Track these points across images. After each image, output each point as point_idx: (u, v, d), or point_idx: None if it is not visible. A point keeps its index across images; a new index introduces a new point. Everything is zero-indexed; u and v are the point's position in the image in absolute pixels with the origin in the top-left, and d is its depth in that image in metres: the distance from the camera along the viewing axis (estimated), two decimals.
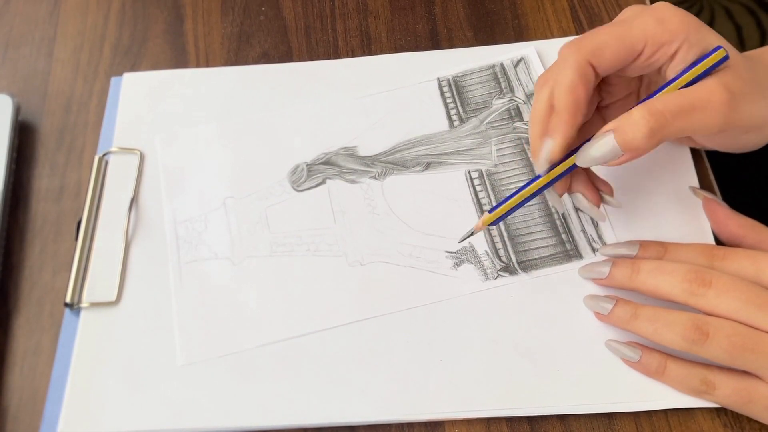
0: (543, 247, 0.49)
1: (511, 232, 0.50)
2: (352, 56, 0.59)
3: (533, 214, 0.50)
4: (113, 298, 0.49)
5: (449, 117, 0.55)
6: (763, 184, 0.64)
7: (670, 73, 0.44)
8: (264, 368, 0.46)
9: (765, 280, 0.42)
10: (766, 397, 0.41)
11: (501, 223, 0.50)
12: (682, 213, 0.49)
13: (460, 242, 0.49)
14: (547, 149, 0.44)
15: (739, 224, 0.46)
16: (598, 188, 0.48)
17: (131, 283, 0.49)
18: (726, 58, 0.42)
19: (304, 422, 0.45)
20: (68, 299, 0.48)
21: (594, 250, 0.49)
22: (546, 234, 0.50)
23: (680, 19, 0.43)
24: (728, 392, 0.42)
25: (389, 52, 0.58)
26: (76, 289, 0.49)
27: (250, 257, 0.50)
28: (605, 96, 0.48)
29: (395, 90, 0.56)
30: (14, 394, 0.47)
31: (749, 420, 0.44)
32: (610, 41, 0.43)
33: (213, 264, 0.50)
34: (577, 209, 0.50)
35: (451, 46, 0.59)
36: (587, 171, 0.48)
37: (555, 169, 0.45)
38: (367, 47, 0.59)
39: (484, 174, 0.52)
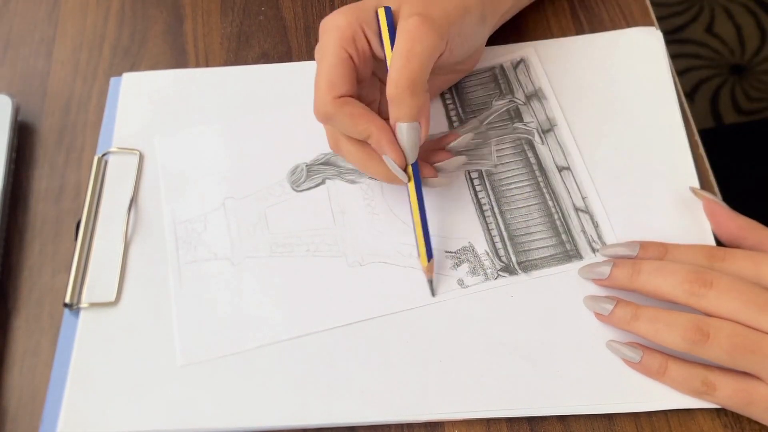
0: (543, 247, 0.49)
1: (511, 233, 0.50)
2: None
3: (533, 215, 0.50)
4: (112, 298, 0.49)
5: (449, 117, 0.55)
6: (763, 185, 0.64)
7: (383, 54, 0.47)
8: (263, 369, 0.46)
9: (765, 281, 0.42)
10: (766, 398, 0.41)
11: (501, 224, 0.50)
12: (683, 213, 0.49)
13: (434, 296, 0.48)
14: (391, 164, 0.46)
15: (740, 225, 0.46)
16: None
17: (131, 284, 0.49)
18: (387, 9, 0.46)
19: (303, 423, 0.45)
20: (67, 299, 0.48)
21: (594, 250, 0.49)
22: (546, 234, 0.50)
23: (342, 18, 0.46)
24: (729, 393, 0.42)
25: None
26: (76, 289, 0.49)
27: (249, 258, 0.50)
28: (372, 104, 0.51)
29: None
30: (13, 394, 0.47)
31: (749, 421, 0.44)
32: (334, 73, 0.45)
33: (212, 264, 0.50)
34: (577, 210, 0.50)
35: None
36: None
37: (411, 182, 0.47)
38: None
39: (484, 174, 0.52)
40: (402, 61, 0.44)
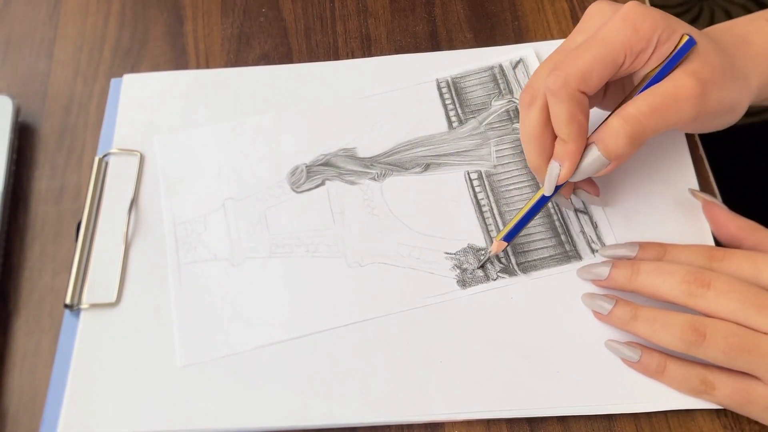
0: (542, 248, 0.49)
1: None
2: (352, 58, 0.59)
3: None
4: (113, 299, 0.49)
5: (448, 118, 0.55)
6: (763, 186, 0.64)
7: (642, 73, 0.45)
8: (263, 369, 0.46)
9: (763, 281, 0.42)
10: (765, 398, 0.41)
11: (500, 224, 0.50)
12: (682, 214, 0.49)
13: (479, 267, 0.49)
14: (556, 173, 0.45)
15: (739, 226, 0.46)
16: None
17: (131, 284, 0.50)
18: (691, 42, 0.43)
19: (303, 423, 0.45)
20: (68, 300, 0.48)
21: (593, 251, 0.49)
22: (545, 235, 0.50)
23: (651, 22, 0.43)
24: (728, 392, 0.42)
25: (389, 54, 0.58)
26: (76, 290, 0.49)
27: (249, 258, 0.50)
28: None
29: (394, 91, 0.56)
30: (14, 395, 0.47)
31: (749, 421, 0.44)
32: (594, 66, 0.43)
33: (212, 265, 0.50)
34: (577, 210, 0.50)
35: (451, 47, 0.59)
36: None
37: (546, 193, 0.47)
38: (367, 49, 0.59)
39: (483, 175, 0.52)
40: (651, 111, 0.42)
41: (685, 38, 0.43)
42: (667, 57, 0.43)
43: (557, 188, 0.46)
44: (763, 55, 0.47)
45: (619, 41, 0.43)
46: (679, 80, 0.43)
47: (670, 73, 0.43)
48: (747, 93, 0.46)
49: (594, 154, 0.44)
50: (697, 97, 0.42)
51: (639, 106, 0.43)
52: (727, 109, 0.45)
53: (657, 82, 0.43)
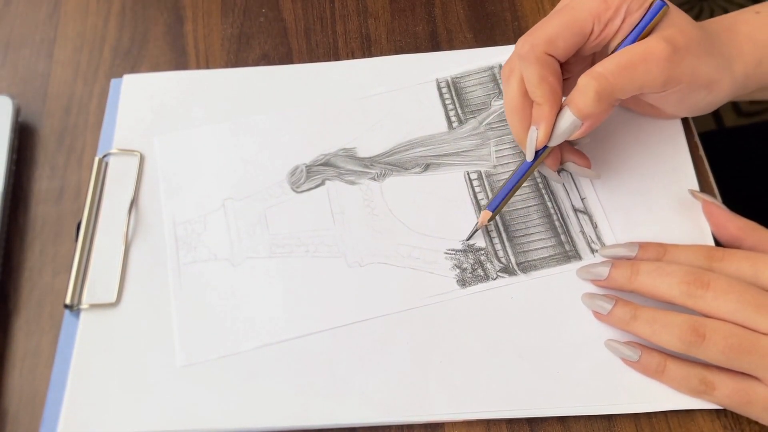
0: (542, 248, 0.49)
1: (510, 233, 0.50)
2: (352, 58, 0.59)
3: (532, 216, 0.50)
4: (113, 299, 0.49)
5: (448, 118, 0.55)
6: (764, 187, 0.64)
7: (614, 43, 0.46)
8: (263, 369, 0.46)
9: (762, 282, 0.42)
10: (764, 398, 0.41)
11: (500, 224, 0.50)
12: (682, 214, 0.49)
13: (467, 240, 0.50)
14: (534, 137, 0.46)
15: (739, 226, 0.46)
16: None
17: (131, 285, 0.50)
18: (660, 4, 0.44)
19: (303, 424, 0.45)
20: (68, 301, 0.48)
21: (593, 251, 0.49)
22: (545, 235, 0.50)
23: None
24: (727, 392, 0.42)
25: (389, 54, 0.58)
26: (76, 290, 0.49)
27: (249, 258, 0.50)
28: (564, 72, 0.49)
29: (394, 91, 0.56)
30: (14, 395, 0.47)
31: (749, 422, 0.44)
32: (560, 31, 0.45)
33: (212, 265, 0.50)
34: (576, 210, 0.50)
35: (451, 47, 0.59)
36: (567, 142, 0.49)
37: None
38: (367, 49, 0.59)
39: (483, 175, 0.52)
40: (619, 70, 0.43)
41: (661, 8, 0.44)
42: (638, 23, 0.45)
43: (539, 154, 0.47)
44: (748, 43, 0.47)
45: (586, 8, 0.45)
46: (651, 42, 0.44)
47: (642, 38, 0.44)
48: (728, 76, 0.47)
49: (566, 115, 0.45)
50: (667, 59, 0.43)
51: (607, 64, 0.44)
52: (702, 83, 0.46)
53: (624, 45, 0.45)
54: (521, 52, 0.45)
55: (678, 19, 0.45)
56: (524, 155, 0.47)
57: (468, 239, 0.50)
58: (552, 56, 0.45)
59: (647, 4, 0.45)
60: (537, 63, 0.45)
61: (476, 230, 0.49)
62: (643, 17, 0.44)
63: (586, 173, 0.50)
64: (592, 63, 0.49)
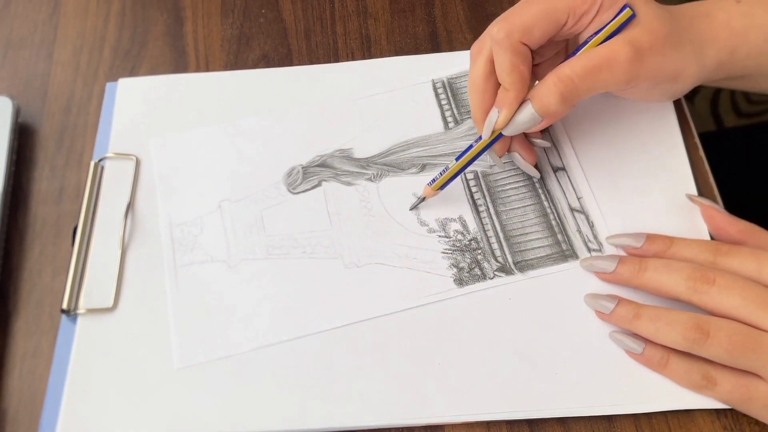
0: (539, 247, 0.49)
1: (507, 233, 0.50)
2: (352, 59, 0.59)
3: (529, 215, 0.50)
4: (110, 304, 0.49)
5: (444, 119, 0.55)
6: (764, 188, 0.63)
7: (583, 36, 0.47)
8: (261, 372, 0.46)
9: (766, 279, 0.42)
10: (765, 396, 0.41)
11: (497, 224, 0.50)
12: (679, 213, 0.49)
13: (411, 209, 0.51)
14: (494, 119, 0.47)
15: (739, 229, 0.46)
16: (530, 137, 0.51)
17: (128, 289, 0.49)
18: (632, 16, 0.45)
19: (302, 426, 0.45)
20: (65, 306, 0.48)
21: (590, 250, 0.49)
22: (542, 234, 0.50)
23: None
24: (728, 388, 0.42)
25: (389, 55, 0.58)
26: (73, 295, 0.49)
27: (246, 260, 0.50)
28: (535, 57, 0.49)
29: (390, 92, 0.56)
30: (13, 396, 0.47)
31: (749, 422, 0.44)
32: (537, 21, 0.46)
33: (209, 267, 0.50)
34: (572, 210, 0.50)
35: (451, 48, 0.59)
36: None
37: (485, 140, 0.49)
38: (366, 50, 0.59)
39: (480, 175, 0.52)
40: (584, 73, 0.45)
41: (629, 13, 0.45)
42: (607, 26, 0.45)
43: (493, 141, 0.48)
44: (723, 29, 0.48)
45: (563, 1, 0.45)
46: (615, 45, 0.45)
47: (608, 39, 0.45)
48: (697, 64, 0.47)
49: (527, 109, 0.46)
50: (630, 62, 0.44)
51: (574, 66, 0.45)
52: (668, 77, 0.47)
53: (587, 43, 0.46)
54: (497, 37, 0.46)
55: (647, 15, 0.46)
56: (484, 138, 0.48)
57: (411, 209, 0.51)
58: (525, 45, 0.46)
59: (619, 5, 0.45)
60: (511, 51, 0.45)
61: (419, 202, 0.51)
62: (613, 22, 0.45)
63: (528, 168, 0.51)
64: (565, 50, 0.51)
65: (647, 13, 0.46)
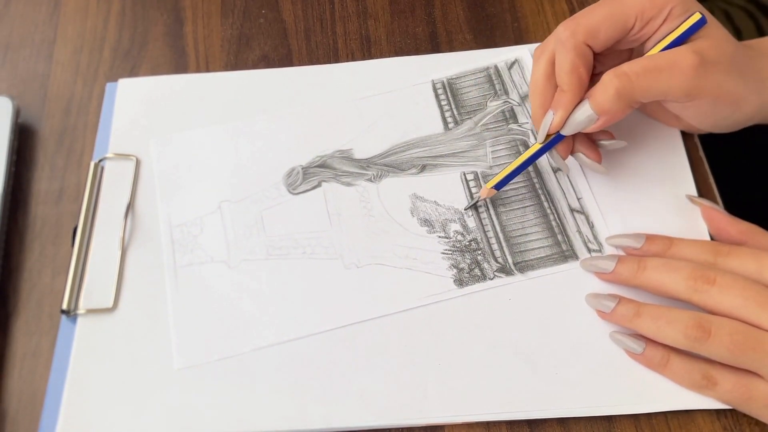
0: (539, 248, 0.49)
1: (507, 233, 0.50)
2: (352, 59, 0.59)
3: (529, 216, 0.50)
4: (110, 304, 0.49)
5: (444, 119, 0.55)
6: (764, 188, 0.63)
7: (648, 47, 0.46)
8: (261, 372, 0.46)
9: (766, 279, 0.42)
10: (765, 395, 0.41)
11: (497, 225, 0.50)
12: (679, 216, 0.49)
13: (465, 209, 0.51)
14: (548, 121, 0.46)
15: (740, 230, 0.46)
16: (598, 140, 0.50)
17: (128, 289, 0.49)
18: (702, 21, 0.44)
19: (302, 427, 0.45)
20: (65, 306, 0.48)
21: (590, 250, 0.49)
22: (542, 235, 0.50)
23: None
24: (729, 387, 0.42)
25: (389, 55, 0.58)
26: (73, 295, 0.49)
27: (246, 260, 0.50)
28: (597, 65, 0.49)
29: (390, 92, 0.56)
30: (13, 396, 0.47)
31: (749, 422, 0.44)
32: (604, 22, 0.45)
33: (209, 267, 0.50)
34: (572, 210, 0.50)
35: (451, 49, 0.59)
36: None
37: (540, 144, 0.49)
38: (366, 50, 0.59)
39: (480, 176, 0.52)
40: (643, 72, 0.44)
41: (698, 16, 0.44)
42: (676, 30, 0.45)
43: (553, 142, 0.48)
44: None
45: (633, 4, 0.45)
46: (680, 52, 0.44)
47: (674, 45, 0.45)
48: (759, 98, 0.47)
49: (584, 107, 0.46)
50: (693, 69, 0.44)
51: (633, 64, 0.44)
52: (727, 100, 0.46)
53: (655, 46, 0.45)
54: (561, 36, 0.46)
55: (714, 31, 0.45)
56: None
57: (466, 209, 0.51)
58: (589, 47, 0.45)
59: (689, 14, 0.45)
60: (573, 51, 0.45)
61: (476, 202, 0.50)
62: (683, 28, 0.45)
63: (594, 167, 0.50)
64: (628, 59, 0.49)
65: (717, 29, 0.45)
